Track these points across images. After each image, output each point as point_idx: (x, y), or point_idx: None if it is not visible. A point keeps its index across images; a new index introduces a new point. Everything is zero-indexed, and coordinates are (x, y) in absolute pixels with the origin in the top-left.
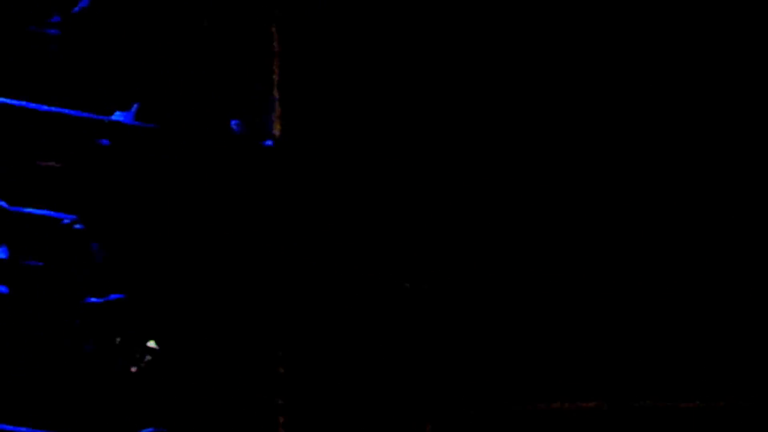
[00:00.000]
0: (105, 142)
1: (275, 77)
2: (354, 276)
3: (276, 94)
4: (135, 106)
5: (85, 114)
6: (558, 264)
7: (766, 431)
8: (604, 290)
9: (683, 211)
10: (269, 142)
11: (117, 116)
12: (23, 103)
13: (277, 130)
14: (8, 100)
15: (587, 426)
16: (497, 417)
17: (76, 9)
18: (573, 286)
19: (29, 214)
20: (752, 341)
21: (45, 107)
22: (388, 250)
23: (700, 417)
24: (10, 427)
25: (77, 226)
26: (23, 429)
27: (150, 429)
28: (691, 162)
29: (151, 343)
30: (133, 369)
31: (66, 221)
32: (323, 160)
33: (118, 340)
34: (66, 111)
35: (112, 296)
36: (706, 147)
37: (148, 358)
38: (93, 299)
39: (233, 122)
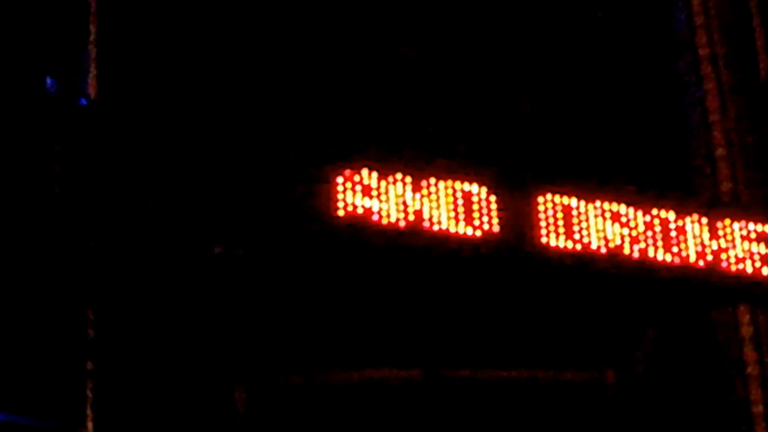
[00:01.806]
0: None
1: (91, 36)
2: (166, 239)
3: (92, 52)
4: None
5: None
6: None
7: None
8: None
9: None
10: (83, 102)
11: None
12: None
13: (92, 90)
14: None
15: (403, 392)
16: (313, 383)
17: None
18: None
19: None
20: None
21: None
22: (200, 215)
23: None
24: None
25: None
26: None
27: None
28: None
29: None
30: None
31: None
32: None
33: None
34: None
35: None
36: None
37: None
38: None
39: (47, 80)
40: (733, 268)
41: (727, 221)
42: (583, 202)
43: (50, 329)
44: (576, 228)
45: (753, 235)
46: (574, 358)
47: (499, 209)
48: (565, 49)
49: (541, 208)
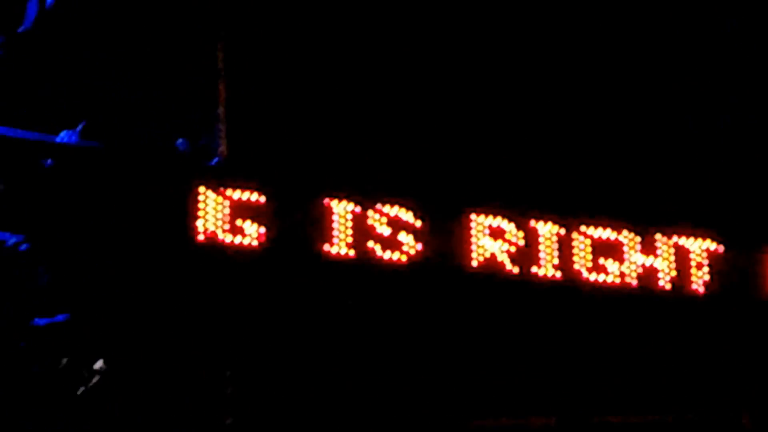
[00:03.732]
0: (49, 162)
1: (221, 96)
2: (303, 292)
3: (221, 112)
4: (80, 125)
5: (29, 134)
6: None
7: None
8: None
9: None
10: (215, 161)
11: (62, 136)
12: None
13: (222, 149)
14: None
15: None
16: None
17: (21, 29)
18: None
19: None
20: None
21: None
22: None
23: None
24: None
25: (22, 247)
26: None
27: None
28: None
29: (99, 364)
30: (81, 390)
31: (10, 242)
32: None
33: (65, 361)
34: (10, 131)
35: (58, 317)
36: None
37: (96, 378)
38: (39, 320)
39: (179, 141)
40: None
41: None
42: None
43: (191, 384)
44: None
45: None
46: (709, 401)
47: None
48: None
49: None
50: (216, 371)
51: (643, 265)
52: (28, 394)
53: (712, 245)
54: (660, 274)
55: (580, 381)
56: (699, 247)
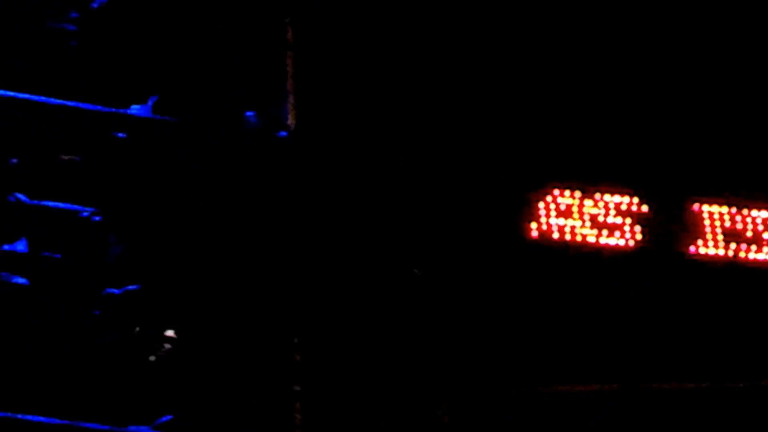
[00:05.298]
0: (122, 135)
1: (289, 69)
2: (365, 262)
3: (290, 85)
4: (152, 99)
5: (102, 107)
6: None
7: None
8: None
9: None
10: (283, 133)
11: (134, 110)
12: (42, 98)
13: (291, 121)
14: (27, 95)
15: (601, 404)
16: (513, 398)
17: (95, 4)
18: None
19: (48, 207)
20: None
21: (63, 101)
22: (397, 238)
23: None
24: (33, 417)
25: (95, 218)
26: (46, 419)
27: (169, 416)
28: None
29: (170, 332)
30: (152, 358)
31: (84, 214)
32: (336, 150)
33: (137, 329)
34: (84, 105)
35: (130, 287)
36: None
37: (167, 346)
38: (111, 290)
39: (248, 114)
40: None
41: None
42: None
43: (259, 354)
44: None
45: None
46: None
47: None
48: None
49: None
50: (284, 338)
51: None
52: (102, 361)
53: None
54: None
55: (645, 346)
56: None
